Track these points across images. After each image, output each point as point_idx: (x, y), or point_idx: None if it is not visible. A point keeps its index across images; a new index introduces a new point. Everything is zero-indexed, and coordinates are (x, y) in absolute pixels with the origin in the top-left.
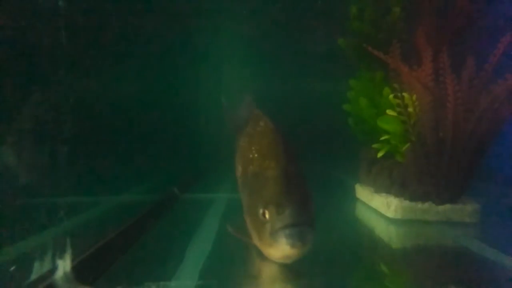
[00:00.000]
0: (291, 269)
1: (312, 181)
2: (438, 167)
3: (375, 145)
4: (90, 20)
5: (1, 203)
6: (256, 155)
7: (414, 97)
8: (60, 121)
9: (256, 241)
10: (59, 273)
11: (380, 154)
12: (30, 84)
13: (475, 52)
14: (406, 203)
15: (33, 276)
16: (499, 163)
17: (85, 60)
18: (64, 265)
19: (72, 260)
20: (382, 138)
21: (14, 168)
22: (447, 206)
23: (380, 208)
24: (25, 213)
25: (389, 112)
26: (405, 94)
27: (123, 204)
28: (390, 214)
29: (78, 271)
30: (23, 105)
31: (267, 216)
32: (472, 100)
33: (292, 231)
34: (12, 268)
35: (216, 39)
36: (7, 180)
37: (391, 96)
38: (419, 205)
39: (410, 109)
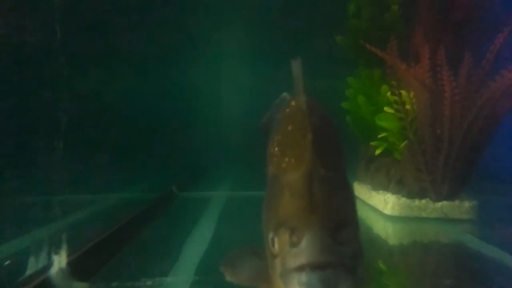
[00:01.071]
0: None
1: None
2: (435, 164)
3: (373, 143)
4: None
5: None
6: (276, 149)
7: (412, 94)
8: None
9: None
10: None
11: (378, 152)
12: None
13: (473, 49)
14: (404, 200)
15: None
16: (496, 160)
17: (85, 61)
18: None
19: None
20: (380, 135)
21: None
22: (444, 203)
23: (378, 206)
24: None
25: (387, 109)
26: (402, 91)
27: (120, 201)
28: (387, 211)
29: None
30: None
31: (276, 246)
32: (469, 97)
33: (312, 278)
34: None
35: (215, 35)
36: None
37: (388, 93)
38: (417, 202)
39: (408, 106)
